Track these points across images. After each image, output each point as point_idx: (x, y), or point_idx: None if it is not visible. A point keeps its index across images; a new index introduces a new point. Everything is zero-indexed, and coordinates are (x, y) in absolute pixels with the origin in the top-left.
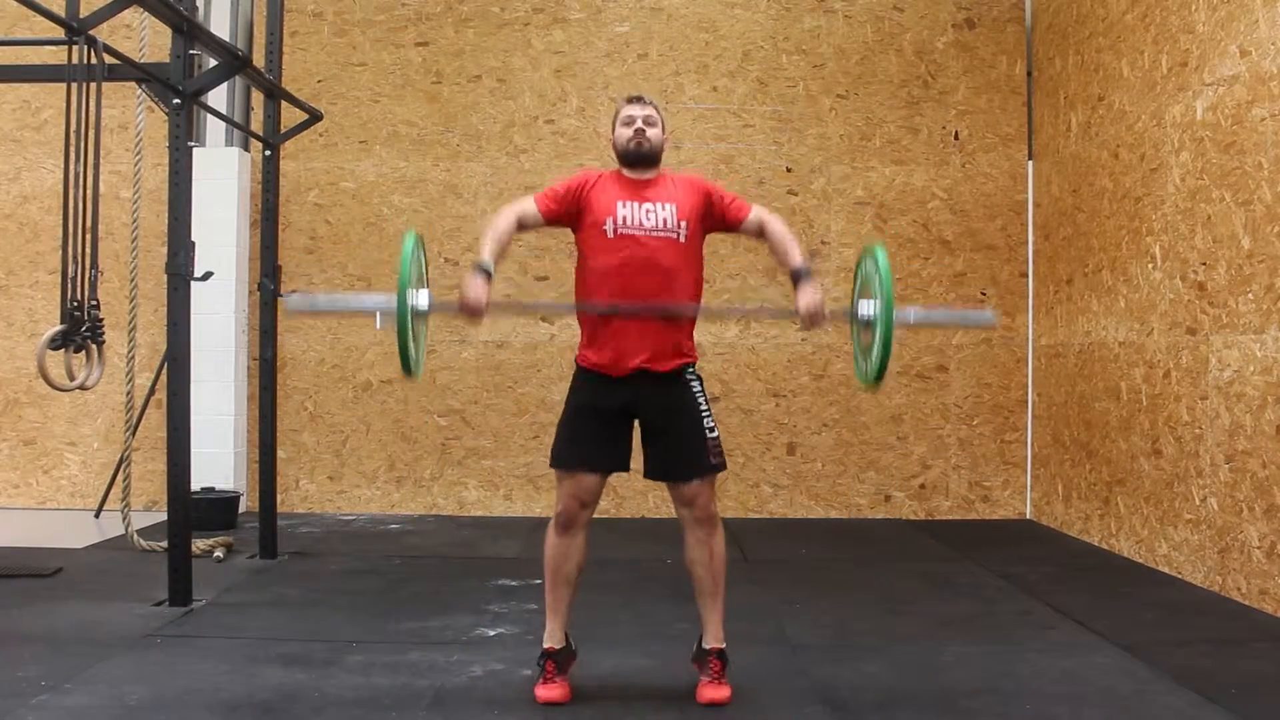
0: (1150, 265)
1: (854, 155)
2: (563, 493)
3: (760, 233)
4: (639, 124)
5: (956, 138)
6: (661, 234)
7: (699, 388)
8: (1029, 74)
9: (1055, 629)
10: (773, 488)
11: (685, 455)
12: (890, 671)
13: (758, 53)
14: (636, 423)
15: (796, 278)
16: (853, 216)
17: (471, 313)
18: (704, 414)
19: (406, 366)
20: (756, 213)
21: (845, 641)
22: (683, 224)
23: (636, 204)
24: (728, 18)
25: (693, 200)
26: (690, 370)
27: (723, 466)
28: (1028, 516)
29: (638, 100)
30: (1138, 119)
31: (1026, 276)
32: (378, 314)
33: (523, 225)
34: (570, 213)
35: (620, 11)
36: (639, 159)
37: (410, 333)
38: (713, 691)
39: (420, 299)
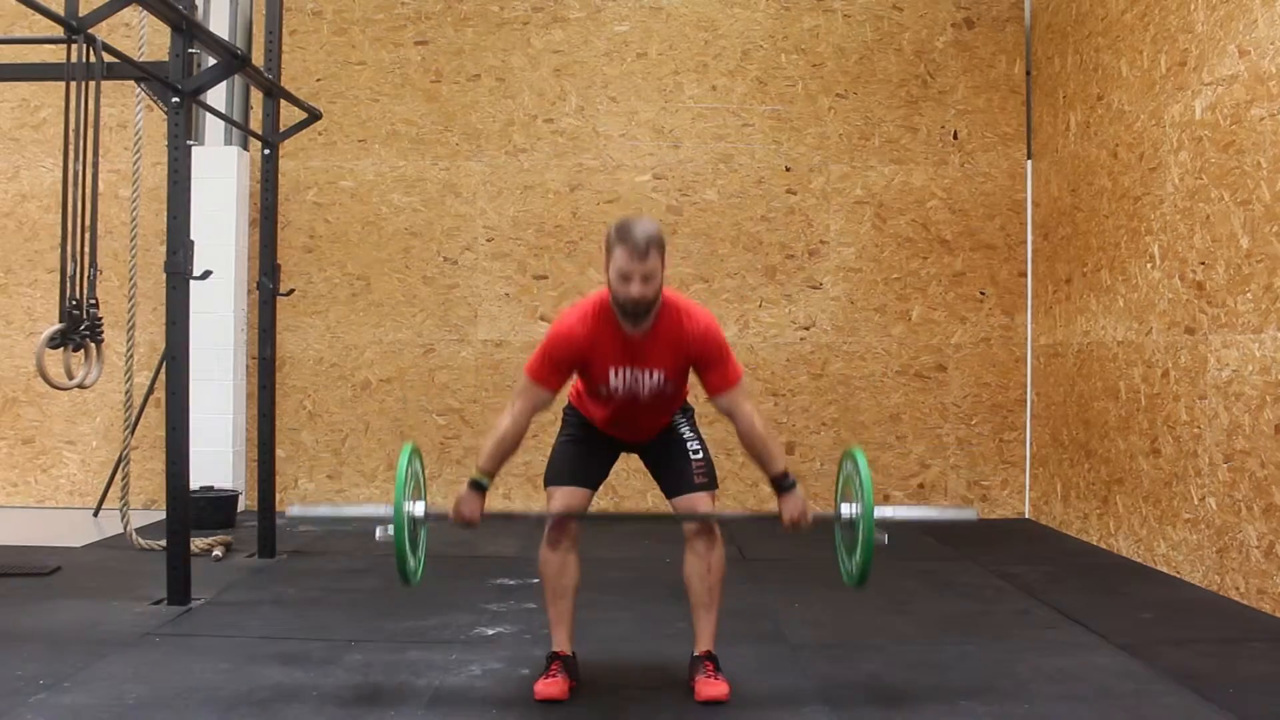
0: (1149, 265)
1: (853, 154)
2: (552, 505)
3: (730, 418)
4: (635, 286)
5: (955, 137)
6: (653, 393)
7: (682, 419)
8: (1028, 73)
9: (1054, 628)
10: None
11: (672, 477)
12: (889, 670)
13: (757, 52)
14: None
15: (780, 488)
16: (851, 216)
17: (465, 525)
18: (688, 441)
19: (404, 576)
20: (730, 402)
21: (844, 640)
22: (670, 383)
23: (629, 370)
24: (727, 17)
25: (682, 362)
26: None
27: (710, 486)
28: (1026, 516)
29: (634, 250)
30: (1136, 118)
31: (1025, 276)
32: (376, 528)
33: (536, 411)
34: (573, 372)
35: (619, 11)
36: (635, 316)
37: (407, 544)
38: (711, 688)
39: (416, 509)
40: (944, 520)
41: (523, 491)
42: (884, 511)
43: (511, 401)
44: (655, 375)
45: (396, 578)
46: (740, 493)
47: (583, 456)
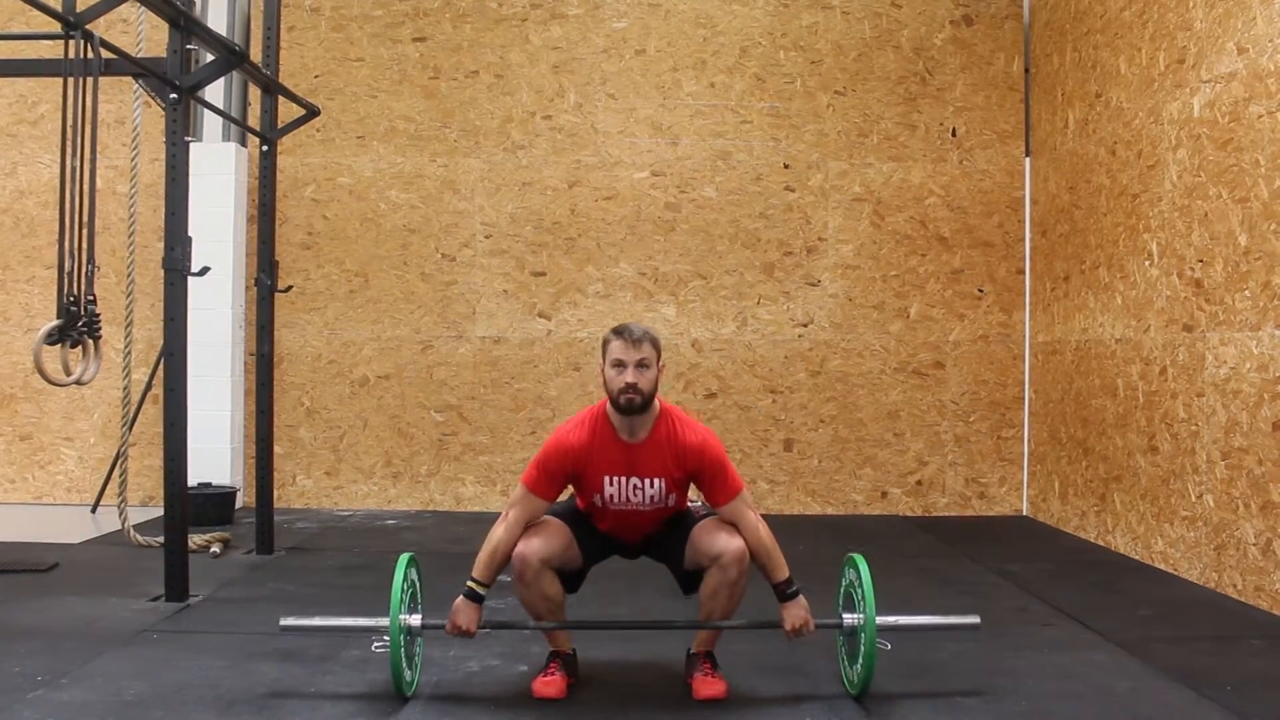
0: (1147, 262)
1: (851, 151)
2: (519, 544)
3: (731, 524)
4: (629, 375)
5: (954, 134)
6: (649, 507)
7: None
8: (1026, 71)
9: (1051, 626)
10: (769, 484)
11: (684, 528)
12: (886, 668)
13: (755, 49)
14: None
15: (782, 596)
16: (850, 213)
17: (460, 635)
18: (689, 506)
19: (399, 688)
20: (733, 510)
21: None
22: (670, 495)
23: (624, 480)
24: (725, 14)
25: (683, 474)
26: None
27: (712, 512)
28: (1024, 513)
29: (629, 340)
30: (1135, 116)
31: (1024, 273)
32: (373, 640)
33: (531, 521)
34: (564, 486)
35: (618, 7)
36: (630, 412)
37: (403, 658)
38: (708, 687)
39: (413, 621)
40: (946, 627)
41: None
42: (886, 621)
43: (506, 512)
44: (655, 484)
45: (391, 686)
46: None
47: (580, 521)
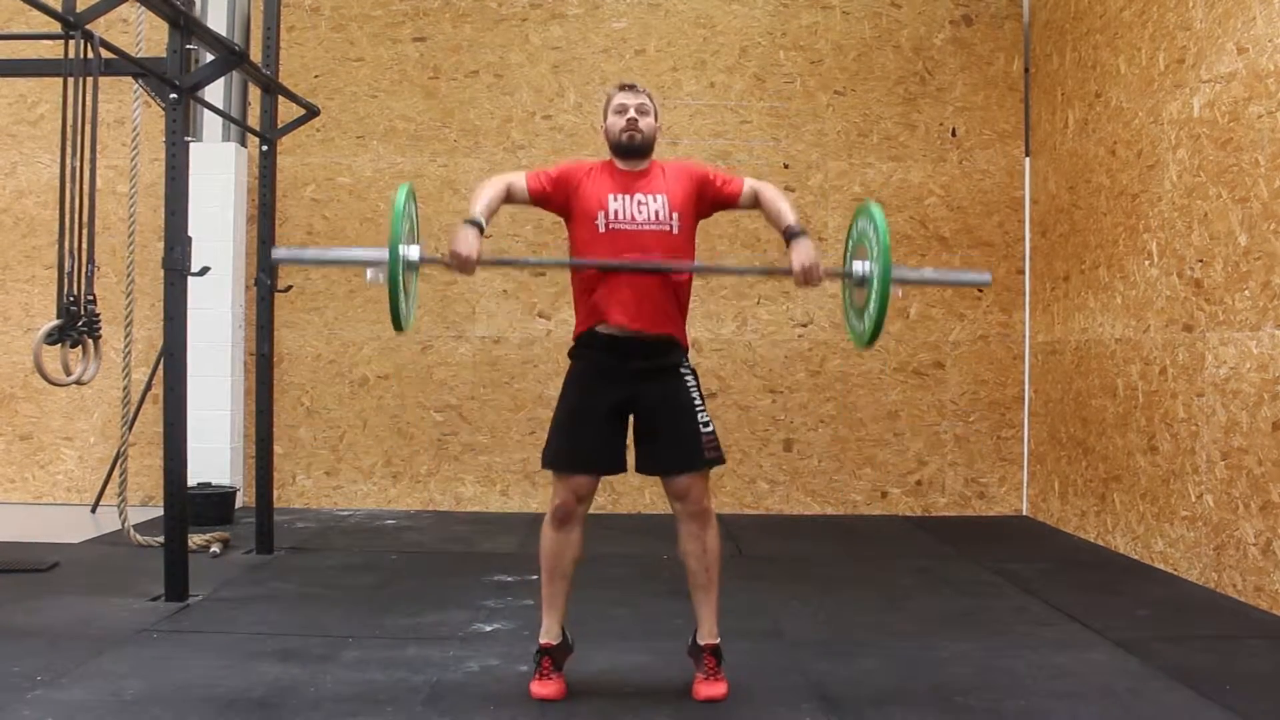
0: (1147, 262)
1: (851, 151)
2: (559, 490)
3: (755, 203)
4: (631, 113)
5: (954, 134)
6: (654, 227)
7: (694, 382)
8: (1026, 70)
9: (1051, 625)
10: (769, 484)
11: (678, 449)
12: (886, 667)
13: (755, 49)
14: (631, 418)
15: (789, 236)
16: (849, 213)
17: (462, 266)
18: (698, 409)
19: (397, 322)
20: (750, 185)
21: (841, 638)
22: (675, 215)
23: (628, 197)
24: (725, 14)
25: (685, 188)
26: (685, 364)
27: (719, 460)
28: (1024, 513)
29: (630, 88)
30: (1135, 116)
31: (1023, 273)
32: (368, 269)
33: (510, 197)
34: (559, 200)
35: (618, 7)
36: (631, 151)
37: (402, 287)
38: (709, 688)
39: (411, 252)
40: (956, 282)
41: (520, 488)
42: (900, 270)
43: (499, 175)
44: (658, 198)
45: (389, 318)
46: (737, 489)
47: (588, 432)
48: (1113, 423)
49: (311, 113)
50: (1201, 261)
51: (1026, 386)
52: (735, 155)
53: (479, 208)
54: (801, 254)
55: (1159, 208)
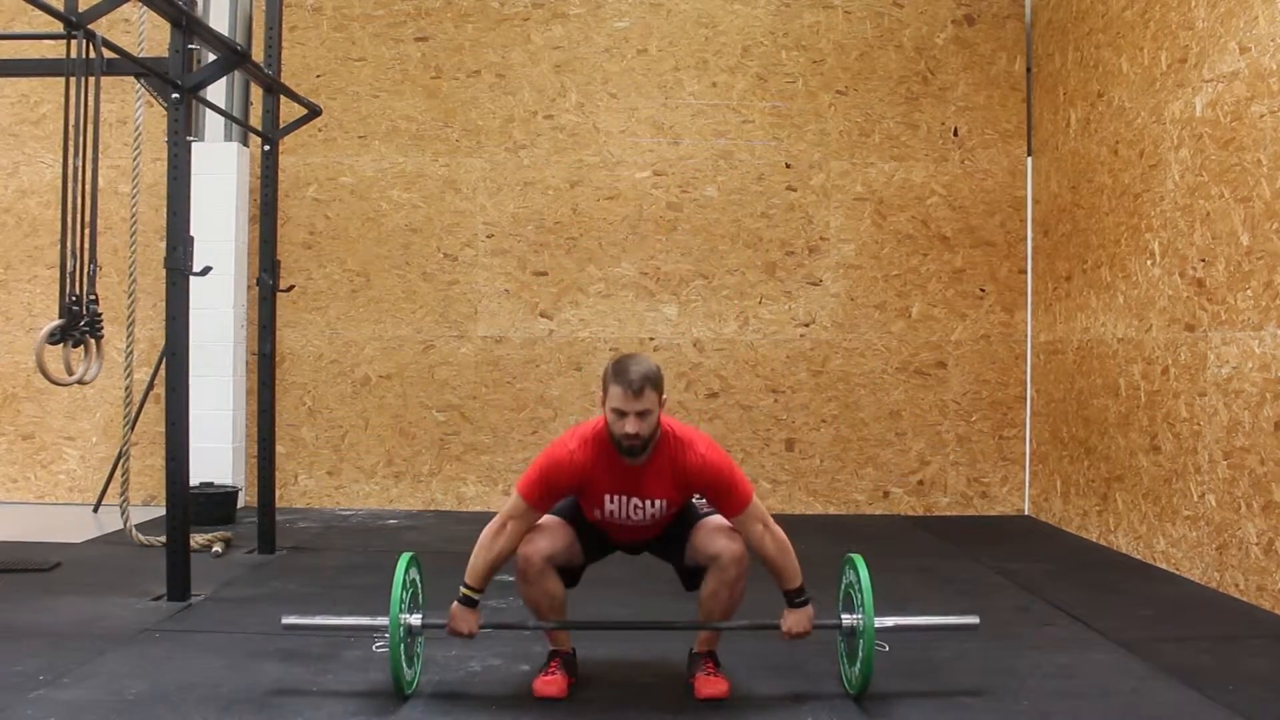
0: (1149, 262)
1: (853, 151)
2: (514, 529)
3: (742, 534)
4: (629, 426)
5: (956, 134)
6: (649, 523)
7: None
8: (1028, 70)
9: (1053, 625)
10: (771, 483)
11: (686, 521)
12: (888, 667)
13: (757, 48)
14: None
15: (790, 599)
16: (851, 212)
17: (461, 637)
18: (694, 504)
19: (399, 687)
20: (740, 523)
21: None
22: (671, 511)
23: (625, 498)
24: (727, 13)
25: (683, 495)
26: None
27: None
28: (1026, 513)
29: (629, 389)
30: (1137, 115)
31: (1025, 273)
32: (374, 638)
33: (519, 534)
34: (564, 498)
35: (620, 7)
36: (631, 455)
37: (403, 657)
38: (710, 686)
39: (413, 620)
40: (946, 628)
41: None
42: (884, 623)
43: (502, 520)
44: (656, 504)
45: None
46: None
47: (582, 519)
48: (1115, 422)
49: (313, 112)
50: (1204, 261)
51: (1028, 386)
52: (737, 155)
53: (477, 581)
54: (794, 622)
55: (1161, 207)
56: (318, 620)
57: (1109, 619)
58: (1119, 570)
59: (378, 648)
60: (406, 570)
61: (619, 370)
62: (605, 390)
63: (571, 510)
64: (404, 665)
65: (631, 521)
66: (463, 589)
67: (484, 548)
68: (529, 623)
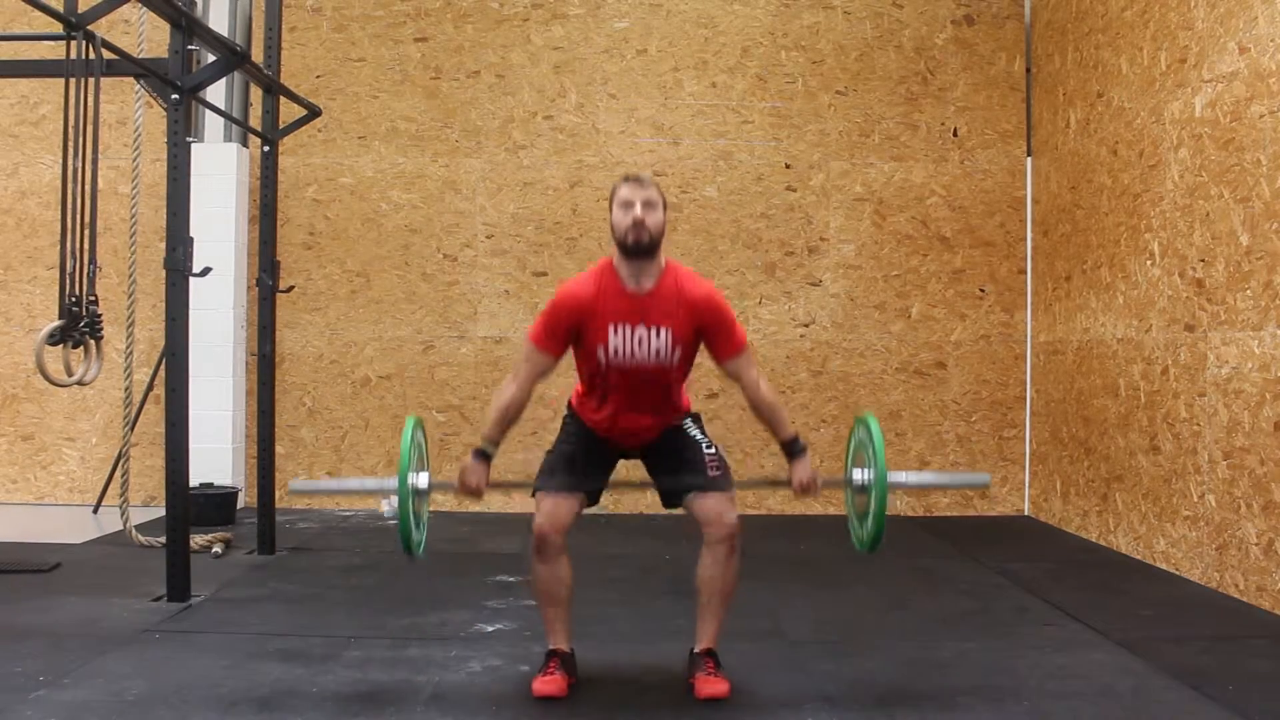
0: (1149, 262)
1: (853, 151)
2: (537, 516)
3: (738, 381)
4: (637, 210)
5: (955, 134)
6: (652, 363)
7: (692, 423)
8: (1028, 70)
9: (1053, 625)
10: (771, 483)
11: (698, 475)
12: (888, 668)
13: (757, 49)
14: (641, 462)
15: (789, 451)
16: (851, 213)
17: (470, 494)
18: (700, 440)
19: (408, 548)
20: (737, 365)
21: (843, 638)
22: (676, 350)
23: (629, 329)
24: (727, 13)
25: (690, 325)
26: (685, 419)
27: (725, 483)
28: (1026, 513)
29: (636, 181)
30: (1137, 115)
31: (1025, 273)
32: (382, 501)
33: (539, 378)
34: (570, 342)
35: (619, 7)
36: (638, 251)
37: (411, 515)
38: (711, 686)
39: (420, 480)
40: (955, 485)
41: (523, 490)
42: (897, 477)
43: (515, 369)
44: (661, 333)
45: (400, 550)
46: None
47: (577, 459)
48: (1114, 422)
49: (313, 113)
50: (1203, 261)
51: (1028, 386)
52: (737, 155)
53: (491, 430)
54: (801, 472)
55: (1161, 207)
56: (325, 484)
57: (1109, 619)
58: (1119, 570)
59: (387, 517)
60: (413, 432)
61: (625, 176)
62: (612, 199)
63: (576, 437)
64: (413, 525)
65: (635, 359)
66: (478, 443)
67: (497, 398)
68: (534, 485)
